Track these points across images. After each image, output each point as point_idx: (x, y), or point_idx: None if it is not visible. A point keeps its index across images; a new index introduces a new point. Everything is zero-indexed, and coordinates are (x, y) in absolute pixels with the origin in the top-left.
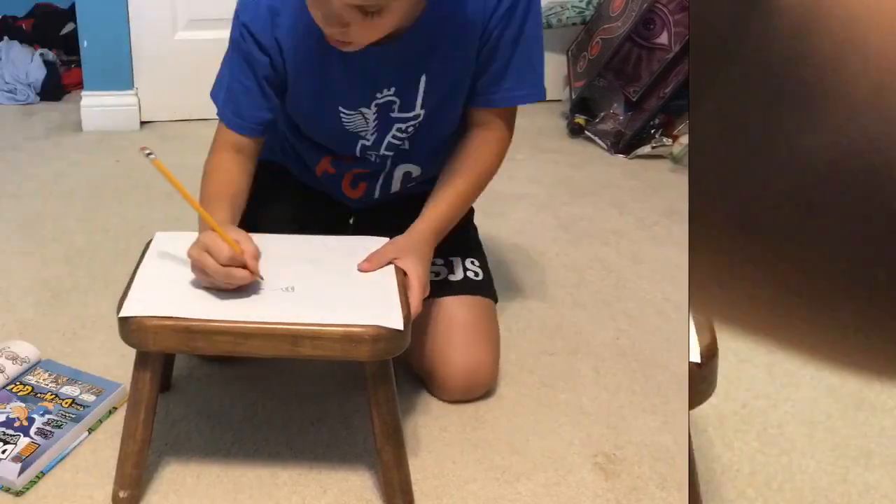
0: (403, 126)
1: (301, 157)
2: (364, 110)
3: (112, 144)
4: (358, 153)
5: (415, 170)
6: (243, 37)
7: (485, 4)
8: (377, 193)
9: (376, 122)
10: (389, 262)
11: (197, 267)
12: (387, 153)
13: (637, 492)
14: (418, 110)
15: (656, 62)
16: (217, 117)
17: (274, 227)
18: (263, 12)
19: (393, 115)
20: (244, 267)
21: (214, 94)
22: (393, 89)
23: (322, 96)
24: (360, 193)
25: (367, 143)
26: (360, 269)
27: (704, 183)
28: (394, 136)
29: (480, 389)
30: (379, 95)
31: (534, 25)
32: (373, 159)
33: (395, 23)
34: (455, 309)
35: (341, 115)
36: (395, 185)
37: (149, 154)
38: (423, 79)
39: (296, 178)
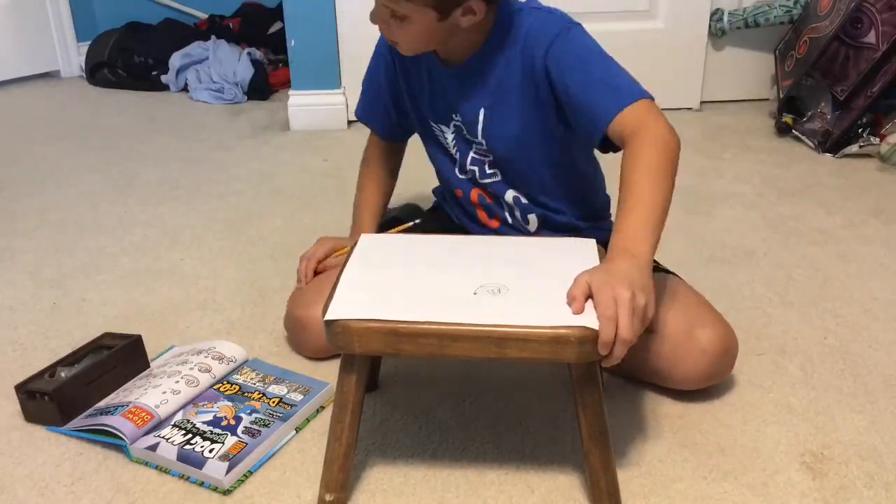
0: (480, 148)
1: (450, 193)
2: (444, 128)
3: (319, 144)
4: (458, 173)
5: (520, 195)
6: (376, 50)
7: (528, 49)
8: (510, 222)
9: (454, 141)
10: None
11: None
12: (479, 172)
13: (845, 491)
14: (479, 139)
15: (864, 61)
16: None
17: None
18: None
19: (466, 137)
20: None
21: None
22: (459, 117)
23: (418, 106)
24: (497, 225)
25: (458, 161)
26: (574, 313)
27: None
28: (475, 155)
29: (729, 366)
30: (455, 116)
31: (581, 53)
32: (474, 177)
33: (426, 35)
34: (674, 285)
35: (434, 127)
36: (518, 214)
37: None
38: (482, 112)
39: (457, 224)
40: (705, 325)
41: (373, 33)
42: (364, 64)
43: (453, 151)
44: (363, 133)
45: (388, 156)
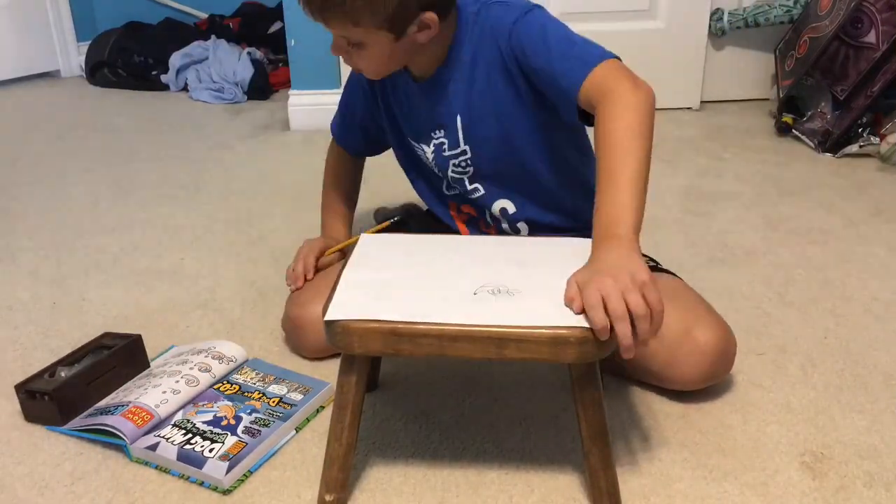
0: (457, 161)
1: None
2: (424, 147)
3: (319, 144)
4: (445, 190)
5: (508, 205)
6: (351, 73)
7: (494, 44)
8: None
9: (434, 159)
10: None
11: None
12: (461, 190)
13: (844, 491)
14: (463, 146)
15: (864, 61)
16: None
17: None
18: None
19: (445, 154)
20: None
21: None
22: (441, 132)
23: (398, 129)
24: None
25: (442, 180)
26: (576, 313)
27: None
28: (453, 171)
29: (728, 367)
30: (434, 135)
31: (539, 32)
32: (459, 194)
33: (386, 57)
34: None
35: (415, 147)
36: (506, 225)
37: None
38: (459, 118)
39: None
40: (703, 325)
41: None
42: None
43: (436, 171)
44: None
45: (356, 169)
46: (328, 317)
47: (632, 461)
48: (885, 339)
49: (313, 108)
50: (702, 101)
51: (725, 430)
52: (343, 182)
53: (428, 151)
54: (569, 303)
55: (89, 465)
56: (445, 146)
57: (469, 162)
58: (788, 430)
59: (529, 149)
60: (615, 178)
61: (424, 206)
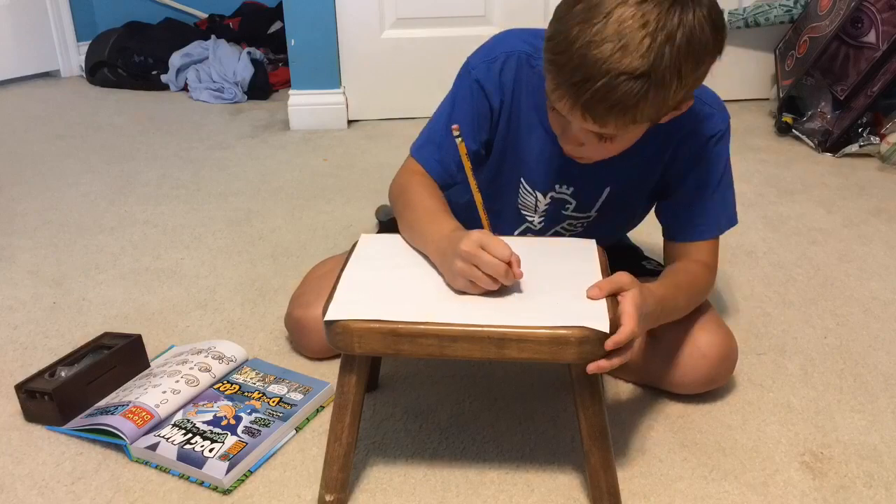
0: (576, 223)
1: None
2: (539, 195)
3: (319, 143)
4: (515, 233)
5: None
6: (472, 91)
7: (683, 134)
8: None
9: (546, 211)
10: (619, 291)
11: (467, 261)
12: (555, 233)
13: (844, 490)
14: (592, 213)
15: (864, 61)
16: (412, 153)
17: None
18: (497, 69)
19: (566, 212)
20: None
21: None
22: (571, 189)
23: (511, 163)
24: None
25: (533, 229)
26: (590, 297)
27: None
28: (563, 228)
29: (729, 371)
30: (557, 188)
31: (718, 169)
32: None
33: (626, 147)
34: None
35: (520, 187)
36: None
37: (457, 136)
38: (607, 190)
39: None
40: (705, 329)
41: (372, 32)
42: (364, 63)
43: (535, 220)
44: (363, 133)
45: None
46: (328, 317)
47: (632, 461)
48: (885, 339)
49: (313, 107)
50: None
51: (725, 430)
52: (437, 192)
53: (541, 200)
54: (597, 287)
55: (89, 465)
56: (571, 207)
57: (585, 224)
58: (788, 430)
59: (628, 228)
60: (676, 291)
61: None
